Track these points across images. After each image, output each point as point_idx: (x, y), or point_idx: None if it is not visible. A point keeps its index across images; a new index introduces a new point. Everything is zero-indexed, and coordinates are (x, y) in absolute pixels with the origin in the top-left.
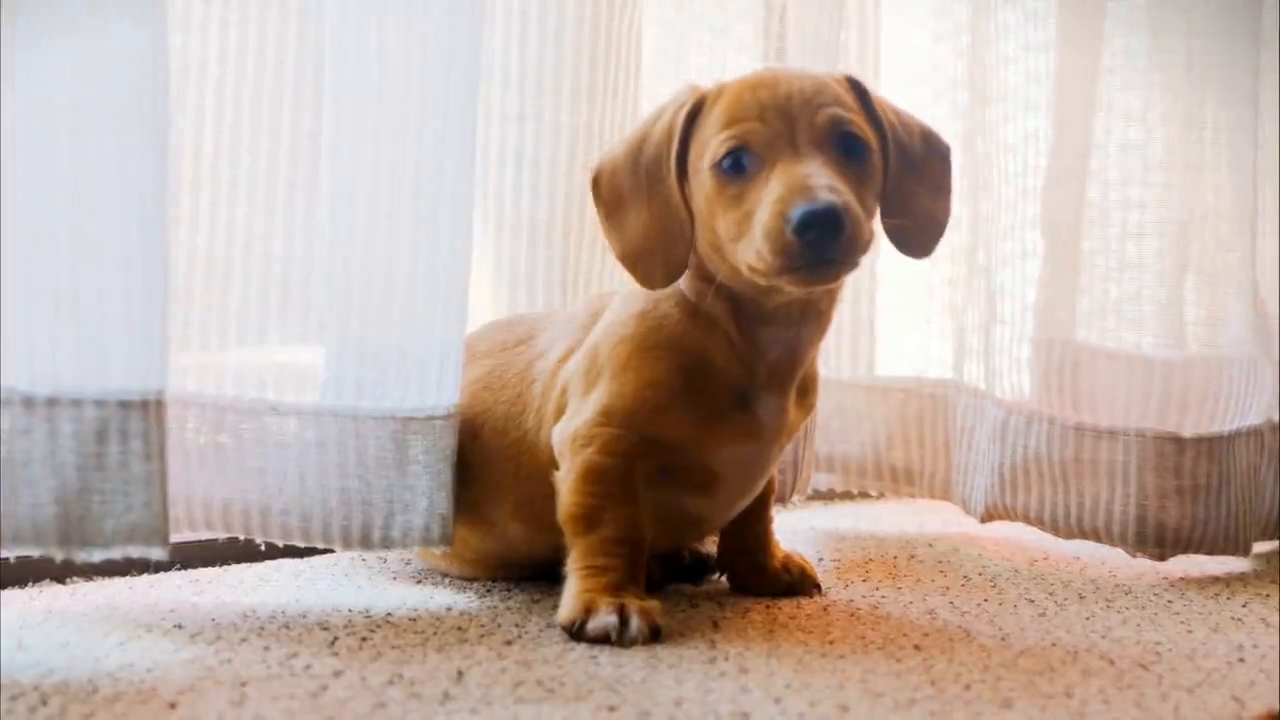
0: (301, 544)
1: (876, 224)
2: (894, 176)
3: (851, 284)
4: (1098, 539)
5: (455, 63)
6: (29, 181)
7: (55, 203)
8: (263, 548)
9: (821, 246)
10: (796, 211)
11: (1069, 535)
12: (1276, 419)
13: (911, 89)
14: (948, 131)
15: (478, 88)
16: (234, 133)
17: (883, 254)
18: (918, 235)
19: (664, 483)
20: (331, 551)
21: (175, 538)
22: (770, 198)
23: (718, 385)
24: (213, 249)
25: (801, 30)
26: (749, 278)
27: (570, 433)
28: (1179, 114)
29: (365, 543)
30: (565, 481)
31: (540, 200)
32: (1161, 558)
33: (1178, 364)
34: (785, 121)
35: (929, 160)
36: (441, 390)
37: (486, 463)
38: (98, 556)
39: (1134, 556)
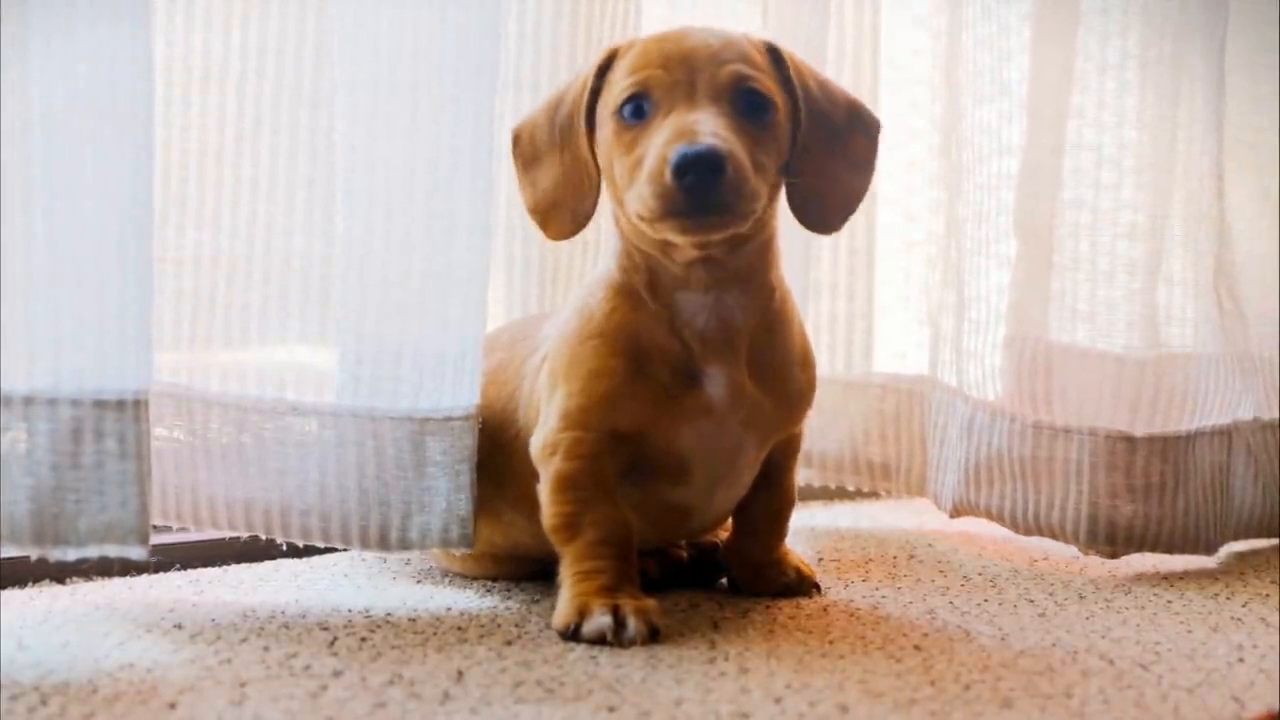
0: (321, 544)
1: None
2: (806, 143)
3: (845, 279)
4: (1053, 536)
5: (469, 58)
6: (5, 181)
7: (32, 202)
8: (265, 544)
9: (700, 191)
10: (675, 153)
11: (1028, 532)
12: (1265, 418)
13: (911, 87)
14: (942, 126)
15: (495, 83)
16: (255, 130)
17: (879, 252)
18: (823, 206)
19: (639, 476)
20: (335, 551)
21: (178, 537)
22: (657, 142)
23: (658, 363)
24: (234, 247)
25: (793, 32)
26: (640, 228)
27: (540, 443)
28: (1150, 115)
29: (383, 544)
30: (543, 493)
31: (516, 199)
32: (1113, 555)
33: (1136, 363)
34: (687, 72)
35: (852, 133)
36: (459, 390)
37: (493, 455)
38: (72, 555)
39: (1085, 554)
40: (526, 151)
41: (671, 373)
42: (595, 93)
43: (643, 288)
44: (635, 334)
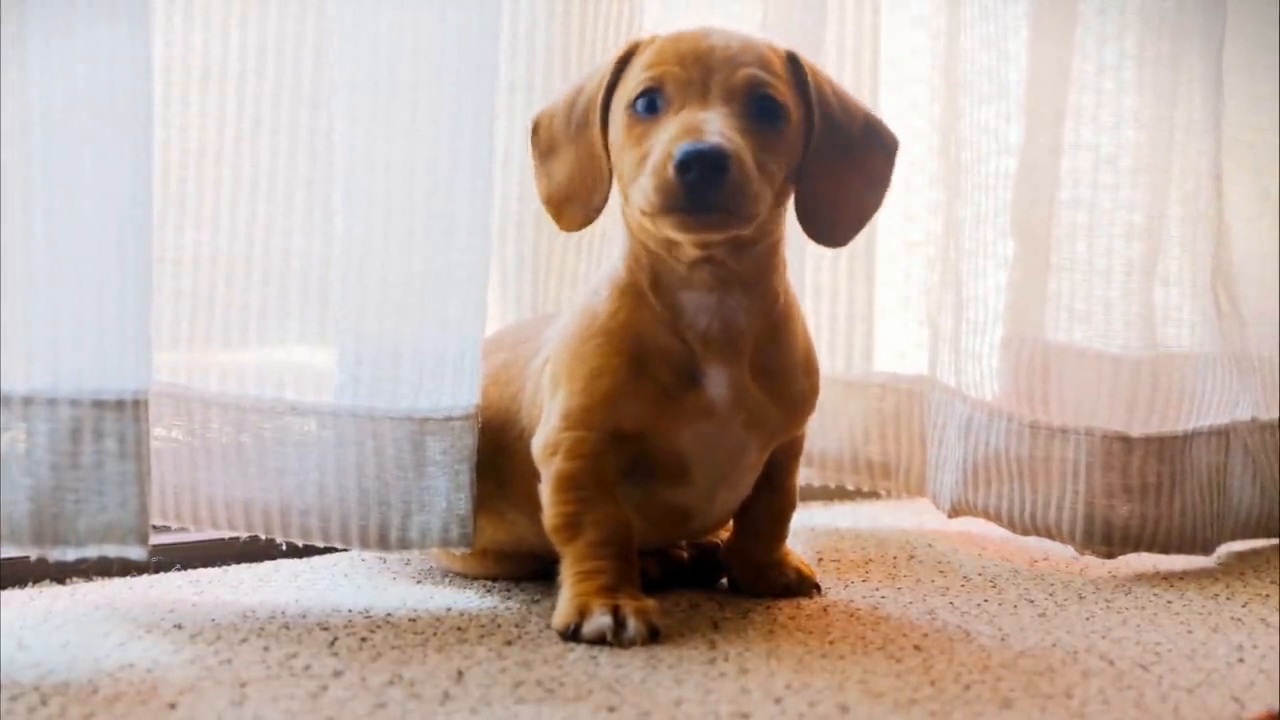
0: (321, 544)
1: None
2: (819, 155)
3: (845, 279)
4: (1050, 536)
5: (469, 59)
6: (5, 181)
7: (32, 202)
8: (265, 544)
9: (701, 188)
10: (680, 149)
11: (1025, 532)
12: (1263, 418)
13: (911, 87)
14: (941, 127)
15: (495, 84)
16: (254, 130)
17: (877, 252)
18: (833, 218)
19: (640, 476)
20: (335, 551)
21: (178, 537)
22: (664, 137)
23: (659, 362)
24: (234, 247)
25: (790, 29)
26: (643, 223)
27: (541, 443)
28: (1148, 116)
29: (383, 543)
30: (544, 493)
31: (511, 197)
32: (1110, 555)
33: (1133, 363)
34: (703, 71)
35: (868, 149)
36: (459, 390)
37: (495, 455)
38: (72, 555)
39: (1081, 554)
40: (544, 142)
41: (673, 373)
42: (612, 86)
43: (647, 286)
44: (638, 333)
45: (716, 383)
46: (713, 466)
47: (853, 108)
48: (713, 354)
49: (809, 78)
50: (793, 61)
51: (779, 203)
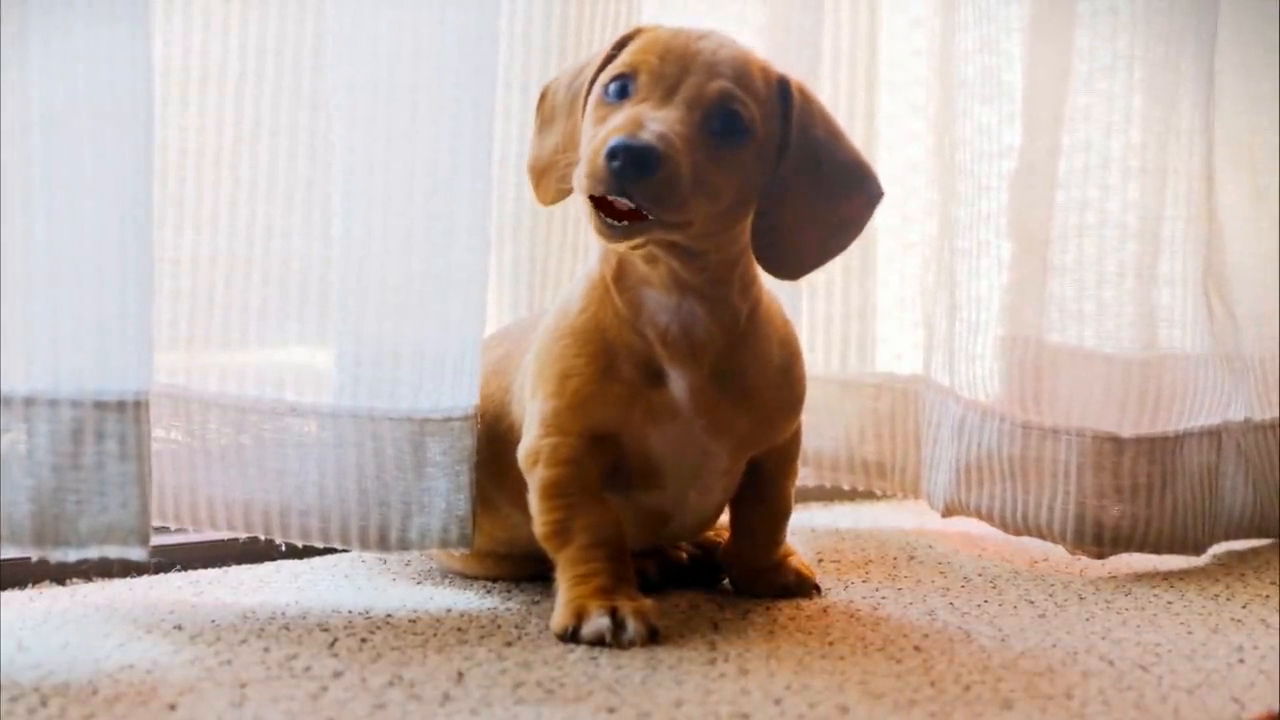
0: (320, 544)
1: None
2: (788, 183)
3: (840, 279)
4: (1041, 536)
5: (469, 60)
6: (5, 181)
7: (32, 202)
8: (266, 546)
9: (621, 179)
10: (614, 139)
11: (1016, 532)
12: (1256, 419)
13: (911, 89)
14: (936, 128)
15: (495, 85)
16: (254, 132)
17: (875, 253)
18: (787, 251)
19: (617, 480)
20: (335, 552)
21: (178, 538)
22: (612, 123)
23: (624, 360)
24: (233, 248)
25: (786, 29)
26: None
27: (524, 451)
28: (1144, 118)
29: (383, 544)
30: (531, 502)
31: (507, 199)
32: (1100, 556)
33: (1125, 363)
34: (679, 71)
35: (848, 189)
36: (458, 391)
37: (491, 446)
38: (73, 556)
39: (1073, 554)
40: (546, 110)
41: (638, 370)
42: (606, 66)
43: (612, 281)
44: (603, 330)
45: (677, 384)
46: (681, 469)
47: (843, 147)
48: (672, 354)
49: (795, 104)
50: (782, 85)
51: (732, 221)
